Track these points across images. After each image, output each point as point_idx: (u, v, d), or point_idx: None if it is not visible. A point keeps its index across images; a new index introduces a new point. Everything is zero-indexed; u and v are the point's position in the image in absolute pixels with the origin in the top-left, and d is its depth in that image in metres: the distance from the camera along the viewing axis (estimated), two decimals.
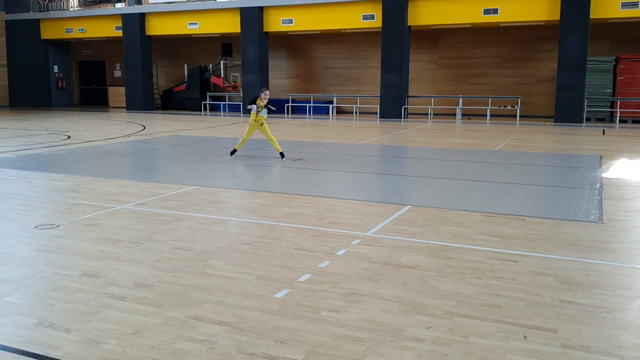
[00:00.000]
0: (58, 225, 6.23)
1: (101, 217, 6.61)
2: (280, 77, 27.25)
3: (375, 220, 6.48)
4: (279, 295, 4.28)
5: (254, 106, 11.25)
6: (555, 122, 19.99)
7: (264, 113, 11.22)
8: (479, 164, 10.91)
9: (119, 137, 15.42)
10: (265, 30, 24.07)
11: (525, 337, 3.59)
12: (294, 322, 3.80)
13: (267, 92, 11.38)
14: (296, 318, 3.87)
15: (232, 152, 11.58)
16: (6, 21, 29.16)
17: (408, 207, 7.15)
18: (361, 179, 9.46)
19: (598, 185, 8.65)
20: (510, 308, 4.06)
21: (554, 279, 4.65)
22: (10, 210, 6.99)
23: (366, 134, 16.80)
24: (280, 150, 11.36)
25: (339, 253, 5.28)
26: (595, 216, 6.73)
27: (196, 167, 10.45)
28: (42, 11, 28.61)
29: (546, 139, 15.28)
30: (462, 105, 22.58)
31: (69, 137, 15.30)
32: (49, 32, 28.88)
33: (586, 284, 4.55)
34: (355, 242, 5.62)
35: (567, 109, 19.76)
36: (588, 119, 20.54)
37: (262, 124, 11.26)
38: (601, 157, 11.56)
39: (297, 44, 26.71)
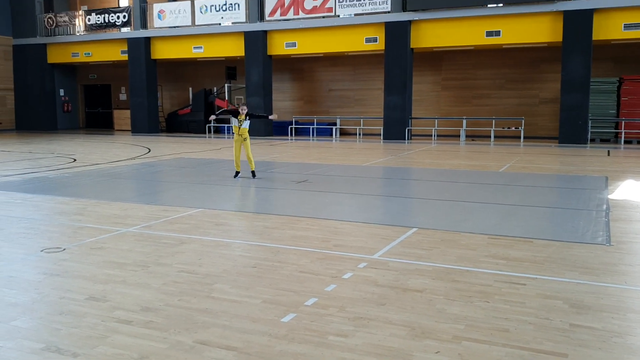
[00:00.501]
0: (64, 249, 6.23)
1: (107, 241, 6.61)
2: (284, 100, 27.40)
3: (381, 243, 6.46)
4: (286, 319, 4.25)
5: (235, 119, 11.37)
6: (559, 143, 19.99)
7: (245, 125, 11.33)
8: (484, 185, 10.89)
9: (124, 160, 15.48)
10: (269, 53, 24.26)
11: None
12: (301, 347, 3.77)
13: (244, 107, 11.60)
14: (303, 343, 3.84)
15: (236, 175, 11.61)
16: (13, 46, 29.50)
17: (414, 229, 7.13)
18: (366, 201, 9.45)
19: (605, 207, 8.62)
20: (519, 332, 4.02)
21: (563, 302, 4.61)
22: (17, 233, 6.99)
23: (370, 155, 16.82)
24: (253, 169, 11.55)
25: (345, 276, 5.25)
26: (602, 238, 6.69)
27: (201, 189, 10.46)
28: (49, 36, 28.92)
29: (551, 160, 15.27)
30: (466, 127, 22.63)
31: (75, 160, 15.36)
32: (55, 57, 29.17)
33: (596, 307, 4.51)
34: (361, 265, 5.60)
35: (571, 130, 19.77)
36: (592, 140, 20.55)
37: (245, 139, 11.37)
38: (607, 179, 11.53)
39: (300, 67, 26.90)
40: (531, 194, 9.90)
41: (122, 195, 9.96)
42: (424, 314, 4.35)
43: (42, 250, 6.17)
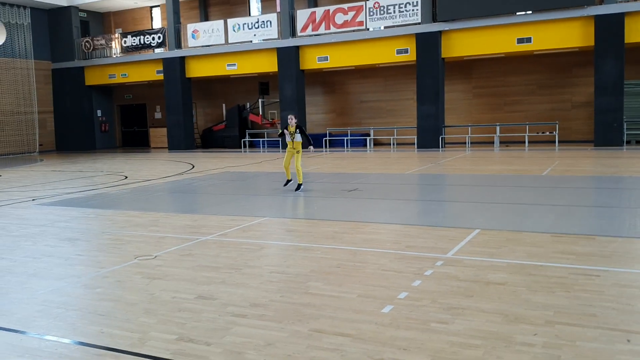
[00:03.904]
0: (155, 256, 6.70)
1: (192, 248, 7.07)
2: (317, 113, 27.91)
3: (450, 244, 6.82)
4: (385, 310, 4.64)
5: (287, 133, 11.68)
6: (594, 146, 20.15)
7: (298, 138, 11.64)
8: (531, 188, 11.16)
9: (173, 175, 16.04)
10: (301, 68, 24.80)
11: (628, 341, 3.89)
12: (409, 333, 4.16)
13: (291, 117, 11.82)
14: (409, 329, 4.23)
15: (286, 183, 11.96)
16: (53, 70, 30.51)
17: (477, 230, 7.47)
18: (422, 206, 9.81)
19: None
20: (606, 316, 4.35)
21: None
22: (106, 244, 7.50)
23: (409, 164, 17.18)
24: (300, 182, 11.74)
25: (427, 273, 5.63)
26: None
27: (259, 200, 10.91)
28: (86, 59, 29.87)
29: (591, 163, 15.47)
30: (499, 133, 22.88)
31: (126, 177, 15.96)
32: (92, 79, 30.11)
33: None
34: (438, 264, 5.96)
35: (606, 133, 19.92)
36: (628, 142, 20.65)
37: (297, 152, 11.68)
38: None
39: (332, 80, 27.40)
40: (581, 194, 10.17)
41: (187, 207, 10.46)
42: (512, 303, 4.70)
43: (136, 258, 6.64)
